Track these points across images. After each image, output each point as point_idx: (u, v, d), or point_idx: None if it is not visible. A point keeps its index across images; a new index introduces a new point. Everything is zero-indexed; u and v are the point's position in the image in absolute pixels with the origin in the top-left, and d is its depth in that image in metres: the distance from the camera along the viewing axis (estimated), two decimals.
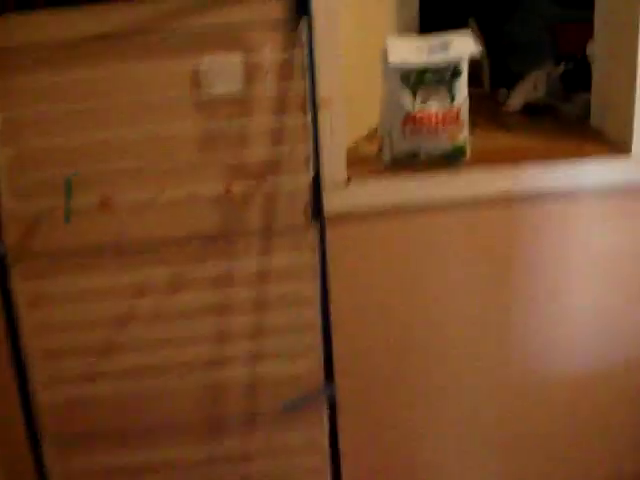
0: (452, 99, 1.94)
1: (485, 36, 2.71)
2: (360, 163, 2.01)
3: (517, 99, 2.52)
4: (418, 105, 1.93)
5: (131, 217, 1.85)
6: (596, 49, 2.26)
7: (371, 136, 2.23)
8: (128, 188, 1.83)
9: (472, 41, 1.94)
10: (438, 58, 1.91)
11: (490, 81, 2.71)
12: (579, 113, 2.47)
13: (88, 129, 1.76)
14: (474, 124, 2.01)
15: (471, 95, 1.95)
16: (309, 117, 1.80)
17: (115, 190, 1.82)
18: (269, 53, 1.79)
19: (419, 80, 1.92)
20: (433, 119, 1.94)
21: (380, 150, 2.00)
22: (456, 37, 1.95)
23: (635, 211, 2.12)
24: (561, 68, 2.53)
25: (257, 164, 1.85)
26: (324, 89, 1.83)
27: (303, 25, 1.77)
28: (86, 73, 1.73)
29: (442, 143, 1.96)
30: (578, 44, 2.71)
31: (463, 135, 1.99)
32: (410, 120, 1.93)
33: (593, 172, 2.06)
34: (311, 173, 1.84)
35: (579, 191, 2.09)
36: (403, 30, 2.40)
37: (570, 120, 2.45)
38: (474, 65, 2.73)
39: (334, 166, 1.92)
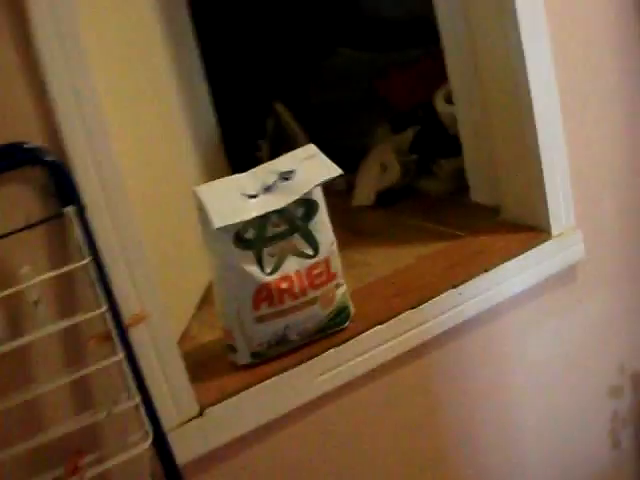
0: (314, 248, 1.32)
1: (298, 117, 2.12)
2: (207, 374, 1.35)
3: (365, 189, 1.93)
4: (269, 271, 1.29)
5: None
6: (457, 101, 1.70)
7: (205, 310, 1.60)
8: None
9: (320, 158, 1.32)
10: (278, 199, 1.27)
11: None
12: (447, 187, 1.91)
13: None
14: None
15: None
16: (118, 351, 1.12)
17: None
18: (31, 274, 1.09)
19: (260, 236, 1.28)
20: (296, 284, 1.30)
21: (230, 348, 1.34)
22: (294, 159, 1.33)
23: (568, 297, 1.69)
24: (409, 135, 1.95)
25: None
26: (131, 301, 1.16)
27: (73, 220, 1.08)
28: None
29: (316, 311, 1.34)
30: (406, 96, 2.16)
31: (341, 291, 1.37)
32: (264, 294, 1.31)
33: (512, 274, 1.57)
34: (147, 430, 1.15)
35: (499, 303, 1.51)
36: (204, 141, 1.75)
37: (440, 200, 1.88)
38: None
39: (177, 401, 1.25)
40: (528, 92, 1.51)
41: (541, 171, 1.55)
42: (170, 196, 1.55)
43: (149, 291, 1.20)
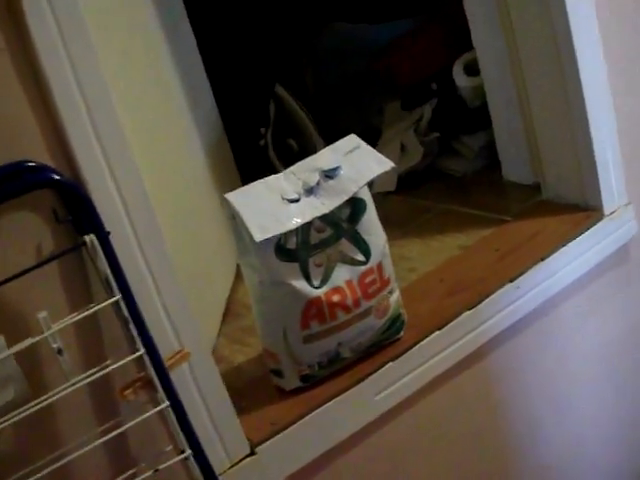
0: (365, 253, 1.15)
1: (302, 98, 1.95)
2: (252, 404, 1.19)
3: (386, 173, 1.74)
4: (318, 283, 1.12)
5: None
6: (484, 69, 1.53)
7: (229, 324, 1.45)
8: None
9: (365, 150, 1.16)
10: (324, 202, 1.11)
11: None
12: (473, 166, 1.75)
13: None
14: None
15: None
16: (161, 399, 0.95)
17: None
18: (51, 319, 0.91)
19: (304, 245, 1.11)
20: (348, 296, 1.14)
21: (274, 373, 1.18)
22: (336, 153, 1.16)
23: (622, 277, 1.55)
24: (427, 111, 1.78)
25: None
26: (169, 339, 0.99)
27: (96, 250, 0.91)
28: None
29: (371, 323, 1.17)
30: (415, 69, 1.99)
31: (394, 298, 1.21)
32: (313, 311, 1.14)
33: (569, 260, 1.42)
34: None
35: (557, 293, 1.36)
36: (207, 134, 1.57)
37: (467, 180, 1.73)
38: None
39: (226, 443, 1.10)
40: (573, 56, 1.34)
41: (590, 144, 1.40)
42: (181, 200, 1.38)
43: (187, 324, 1.03)
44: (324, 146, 1.96)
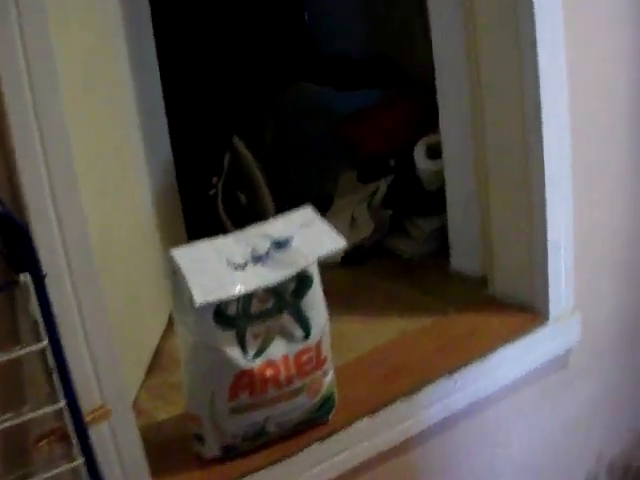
0: (305, 330, 1.11)
1: (258, 153, 1.92)
2: (168, 467, 1.14)
3: None
4: (253, 354, 1.08)
5: None
6: (447, 155, 1.52)
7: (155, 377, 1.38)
8: None
9: (320, 225, 1.13)
10: (270, 272, 1.07)
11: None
12: (422, 250, 1.73)
13: None
14: None
15: None
16: (76, 455, 0.89)
17: None
18: None
19: (245, 313, 1.07)
20: (282, 372, 1.10)
21: (196, 437, 1.12)
22: (290, 224, 1.12)
23: (559, 382, 1.54)
24: (382, 187, 1.77)
25: None
26: (92, 393, 0.94)
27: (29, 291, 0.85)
28: None
29: (301, 401, 1.13)
30: (376, 142, 1.98)
31: (328, 379, 1.17)
32: (244, 382, 1.10)
33: (508, 360, 1.40)
34: None
35: (493, 392, 1.33)
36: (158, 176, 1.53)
37: (414, 263, 1.71)
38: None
39: None
40: (541, 161, 1.34)
41: (545, 247, 1.39)
42: (121, 244, 1.33)
43: (112, 379, 0.98)
44: (273, 204, 1.95)
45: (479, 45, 1.38)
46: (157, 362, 1.45)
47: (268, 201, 1.98)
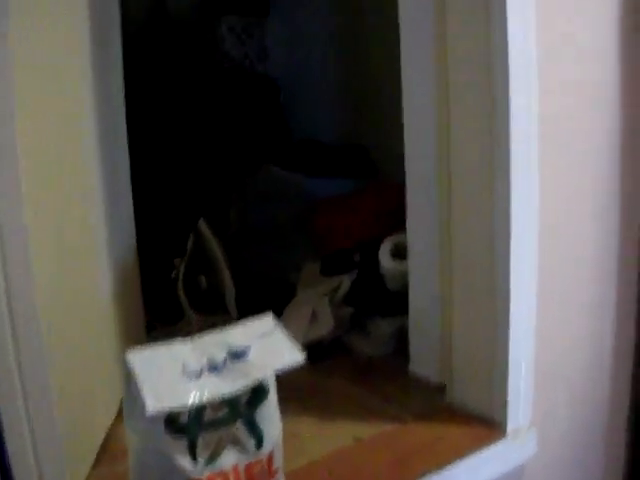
0: (258, 441, 1.08)
1: (222, 235, 1.90)
2: None
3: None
4: (203, 464, 1.04)
5: None
6: (412, 259, 1.51)
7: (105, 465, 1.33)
8: None
9: (279, 337, 1.10)
10: (225, 383, 1.04)
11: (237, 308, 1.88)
12: (382, 350, 1.71)
13: None
14: None
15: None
16: None
17: None
18: None
19: (196, 422, 1.03)
20: None
21: None
22: (248, 333, 1.10)
23: None
24: (345, 283, 1.75)
25: None
26: None
27: None
28: None
29: None
30: (341, 235, 1.98)
31: None
32: None
33: (464, 474, 1.36)
34: None
35: None
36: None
37: (374, 364, 1.69)
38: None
39: None
40: (507, 273, 1.33)
41: (506, 362, 1.38)
42: (75, 328, 1.29)
43: (56, 469, 0.93)
44: (233, 288, 1.92)
45: (452, 152, 1.39)
46: (107, 449, 1.39)
47: (229, 284, 1.96)
